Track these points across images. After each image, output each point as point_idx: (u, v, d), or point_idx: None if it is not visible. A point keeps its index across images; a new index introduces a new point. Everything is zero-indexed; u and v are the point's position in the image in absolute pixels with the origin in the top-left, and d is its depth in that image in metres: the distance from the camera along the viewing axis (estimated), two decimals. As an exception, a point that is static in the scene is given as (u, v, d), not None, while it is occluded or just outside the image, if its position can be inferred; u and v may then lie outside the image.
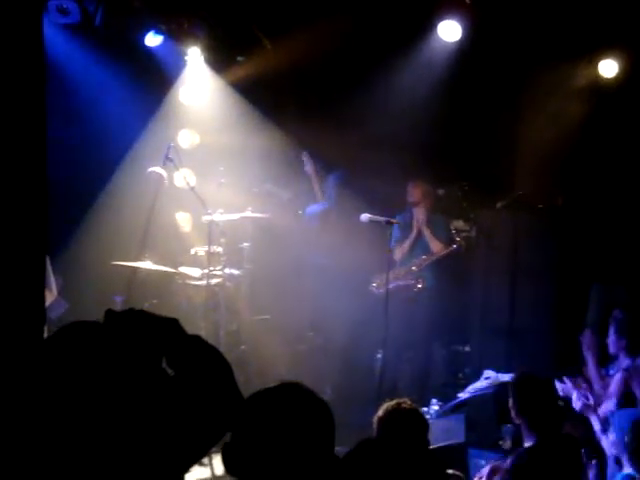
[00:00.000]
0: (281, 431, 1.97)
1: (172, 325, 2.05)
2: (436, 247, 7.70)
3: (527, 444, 4.37)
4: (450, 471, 4.03)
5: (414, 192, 7.86)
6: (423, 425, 3.71)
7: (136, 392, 2.20)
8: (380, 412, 3.69)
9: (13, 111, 2.58)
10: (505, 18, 7.58)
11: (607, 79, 7.85)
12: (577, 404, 5.28)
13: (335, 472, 2.04)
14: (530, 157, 8.20)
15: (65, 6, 7.11)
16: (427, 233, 7.72)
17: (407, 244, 7.74)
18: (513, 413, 4.50)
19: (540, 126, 8.05)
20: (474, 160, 8.65)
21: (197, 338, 2.04)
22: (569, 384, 5.38)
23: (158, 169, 7.51)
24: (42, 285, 2.70)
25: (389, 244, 7.05)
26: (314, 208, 8.36)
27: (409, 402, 3.78)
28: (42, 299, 2.67)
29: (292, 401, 2.03)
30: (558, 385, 5.31)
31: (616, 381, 5.55)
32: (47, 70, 2.72)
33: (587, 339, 5.82)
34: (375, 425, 3.69)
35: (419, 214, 7.83)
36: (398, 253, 7.70)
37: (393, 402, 3.73)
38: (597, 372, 5.71)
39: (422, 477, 3.55)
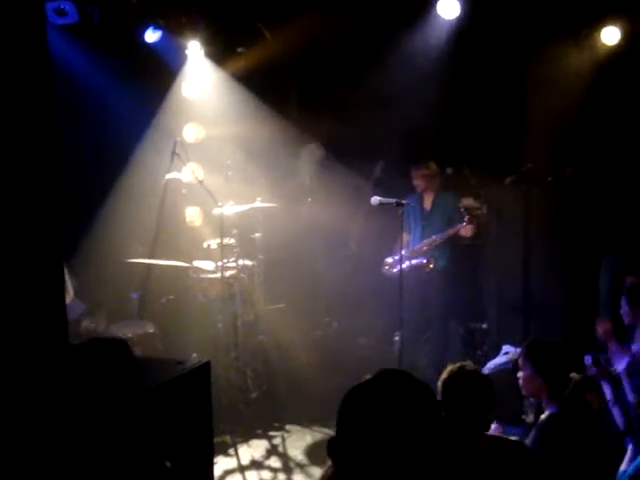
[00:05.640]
0: (388, 419, 1.96)
1: None
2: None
3: (548, 412, 4.32)
4: None
5: (418, 179, 7.84)
6: (488, 385, 3.71)
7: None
8: (444, 375, 3.69)
9: (25, 117, 2.60)
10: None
11: (610, 46, 7.81)
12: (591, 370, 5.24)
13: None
14: (537, 130, 8.15)
15: (62, 7, 7.11)
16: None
17: (406, 238, 7.67)
18: (528, 384, 4.41)
19: (545, 98, 8.01)
20: (481, 137, 8.62)
21: None
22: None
23: (176, 175, 7.54)
24: (62, 288, 2.72)
25: (401, 225, 6.99)
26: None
27: (471, 365, 3.79)
28: (63, 302, 2.69)
29: (396, 389, 2.03)
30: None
31: None
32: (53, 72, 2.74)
33: (603, 325, 5.63)
34: (440, 389, 3.69)
35: (427, 199, 7.86)
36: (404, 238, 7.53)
37: (456, 365, 3.73)
38: (622, 353, 5.48)
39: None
